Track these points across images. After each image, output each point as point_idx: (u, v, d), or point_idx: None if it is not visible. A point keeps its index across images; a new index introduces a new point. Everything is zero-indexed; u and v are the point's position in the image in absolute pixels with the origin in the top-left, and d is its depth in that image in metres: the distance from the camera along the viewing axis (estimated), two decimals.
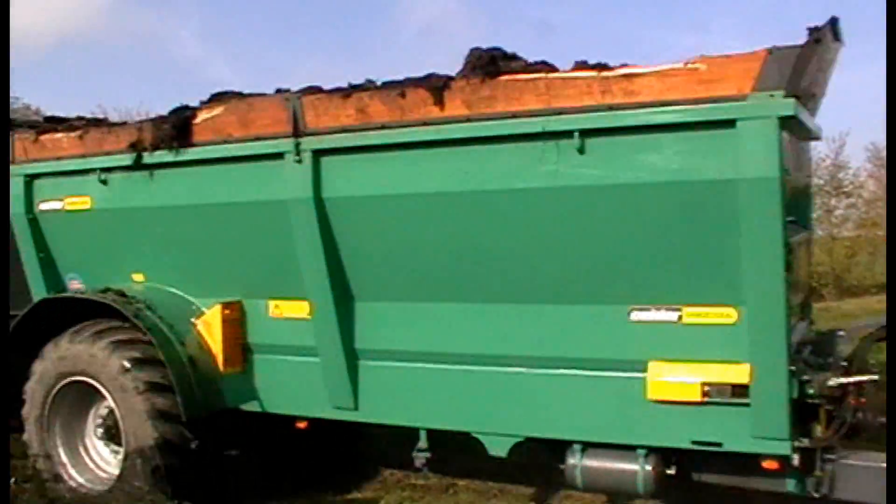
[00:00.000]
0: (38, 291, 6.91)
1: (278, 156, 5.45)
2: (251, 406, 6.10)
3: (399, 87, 5.08)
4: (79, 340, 6.13)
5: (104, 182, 6.33)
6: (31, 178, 6.79)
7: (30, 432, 6.48)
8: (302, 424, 6.16)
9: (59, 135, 6.60)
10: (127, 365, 5.87)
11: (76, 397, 6.40)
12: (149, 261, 6.39)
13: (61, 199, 6.64)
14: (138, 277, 6.47)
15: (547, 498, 6.67)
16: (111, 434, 6.29)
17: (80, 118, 6.89)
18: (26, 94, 40.14)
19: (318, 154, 5.35)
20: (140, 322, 5.93)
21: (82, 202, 6.51)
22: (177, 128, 5.79)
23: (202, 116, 5.77)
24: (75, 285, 6.85)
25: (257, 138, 5.54)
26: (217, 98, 5.88)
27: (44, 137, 6.68)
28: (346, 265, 5.50)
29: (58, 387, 6.28)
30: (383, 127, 5.14)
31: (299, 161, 5.35)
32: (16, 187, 6.84)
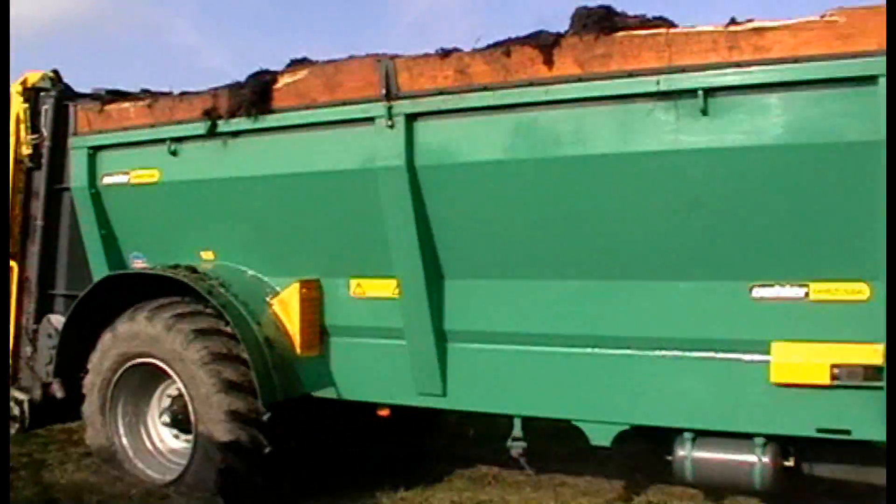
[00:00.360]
0: (100, 271, 6.91)
1: (368, 121, 5.42)
2: (328, 392, 6.06)
3: (503, 46, 5.04)
4: (148, 320, 6.11)
5: (174, 153, 6.33)
6: (94, 151, 6.81)
7: (89, 416, 6.50)
8: (384, 412, 6.10)
9: (126, 104, 6.63)
10: (204, 357, 5.87)
11: (140, 380, 6.41)
12: (219, 237, 6.38)
13: (127, 172, 6.66)
14: (207, 255, 6.45)
15: (541, 484, 6.72)
16: (178, 420, 6.23)
17: (145, 91, 6.89)
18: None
19: (411, 118, 5.30)
20: (214, 299, 5.89)
21: (150, 175, 6.51)
22: (256, 93, 5.77)
23: (284, 81, 5.76)
24: (138, 265, 6.84)
25: (344, 103, 5.51)
26: (298, 63, 5.86)
27: (110, 107, 6.71)
28: (439, 240, 5.43)
29: (122, 369, 6.29)
30: (485, 88, 5.08)
31: (391, 126, 5.31)
32: (78, 160, 6.88)
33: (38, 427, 7.57)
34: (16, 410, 7.47)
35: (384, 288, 5.75)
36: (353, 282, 5.91)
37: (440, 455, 7.49)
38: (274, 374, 5.83)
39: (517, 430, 5.60)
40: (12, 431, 7.43)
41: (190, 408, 5.93)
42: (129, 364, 6.23)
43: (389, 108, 5.30)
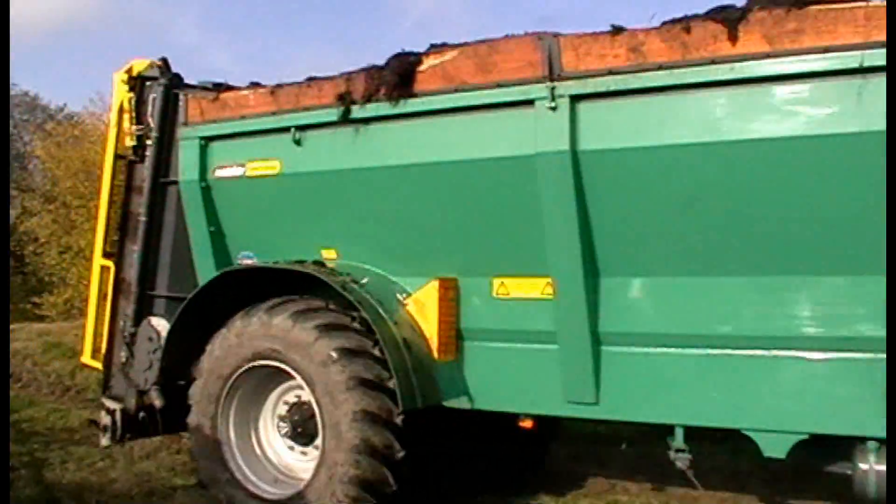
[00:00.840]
0: (206, 271, 6.95)
1: (527, 104, 5.42)
2: (466, 401, 6.02)
3: (682, 23, 5.08)
4: (271, 318, 6.09)
5: (298, 142, 6.37)
6: (206, 142, 6.87)
7: (196, 426, 6.48)
8: (527, 423, 6.06)
9: (245, 91, 6.69)
10: (333, 353, 5.83)
11: (255, 385, 6.42)
12: (344, 233, 6.39)
13: (243, 164, 6.70)
14: (329, 254, 6.46)
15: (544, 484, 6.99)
16: (298, 430, 6.24)
17: (254, 84, 6.98)
18: (23, 81, 41.12)
19: (576, 100, 5.30)
20: (348, 294, 5.89)
21: (269, 167, 6.55)
22: (398, 75, 5.82)
23: (429, 62, 5.79)
24: (250, 264, 6.88)
25: (500, 84, 5.54)
26: (440, 47, 5.94)
27: (226, 95, 6.77)
28: (600, 233, 5.40)
29: (237, 373, 6.27)
30: (660, 67, 5.11)
31: (554, 108, 5.33)
32: (188, 152, 6.94)
33: (131, 438, 7.58)
34: (106, 420, 7.45)
35: (532, 288, 5.75)
36: (496, 281, 5.89)
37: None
38: (413, 378, 5.77)
39: (679, 441, 5.55)
40: (103, 443, 7.51)
41: (316, 410, 5.91)
42: (246, 368, 6.22)
43: (552, 90, 5.32)
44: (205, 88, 7.07)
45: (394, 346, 5.79)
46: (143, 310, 7.39)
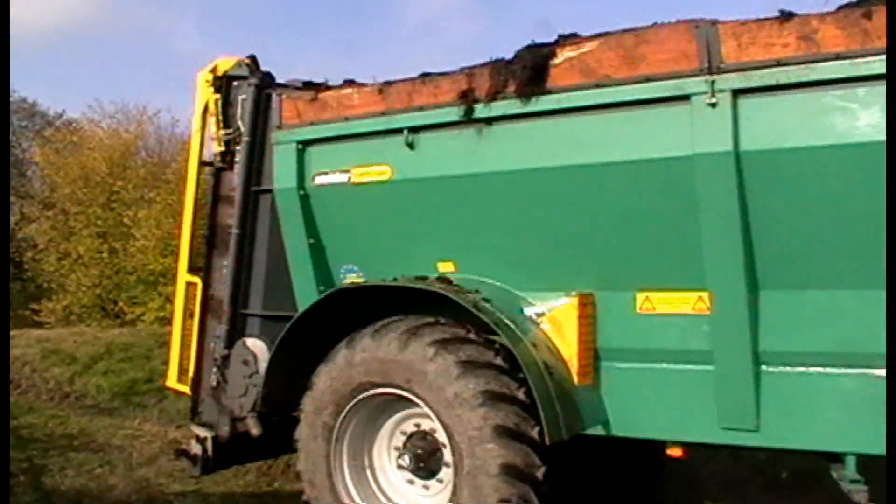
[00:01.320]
0: (305, 288, 6.88)
1: (681, 99, 5.26)
2: (608, 429, 5.89)
3: (862, 7, 4.94)
4: (389, 341, 5.93)
5: (411, 145, 6.25)
6: (304, 146, 6.77)
7: (308, 457, 6.37)
8: (676, 452, 5.92)
9: (348, 90, 6.58)
10: (458, 371, 5.68)
11: (369, 414, 6.32)
12: (463, 245, 6.27)
13: (347, 171, 6.60)
14: (446, 267, 6.35)
15: None
16: (421, 463, 6.12)
17: (349, 81, 6.86)
18: (22, 87, 42.03)
19: (739, 95, 5.11)
20: (483, 315, 5.72)
21: (378, 172, 6.44)
22: (531, 69, 5.69)
23: (565, 54, 5.64)
24: (354, 279, 6.80)
25: (649, 79, 5.39)
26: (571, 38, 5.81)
27: (326, 94, 6.66)
28: (763, 242, 5.24)
29: (354, 400, 6.15)
30: (837, 57, 4.95)
31: (714, 104, 5.17)
32: (284, 157, 6.84)
33: (223, 468, 7.62)
34: (196, 449, 7.41)
35: (682, 302, 5.61)
36: (640, 296, 5.75)
37: None
38: (558, 408, 5.61)
39: (852, 471, 5.41)
40: (194, 473, 7.54)
41: (447, 446, 5.81)
42: (363, 396, 6.12)
43: (712, 84, 5.15)
44: (296, 88, 6.96)
45: (537, 373, 5.63)
46: (236, 330, 7.31)
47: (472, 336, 5.82)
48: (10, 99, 32.88)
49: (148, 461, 9.99)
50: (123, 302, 24.78)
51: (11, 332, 18.57)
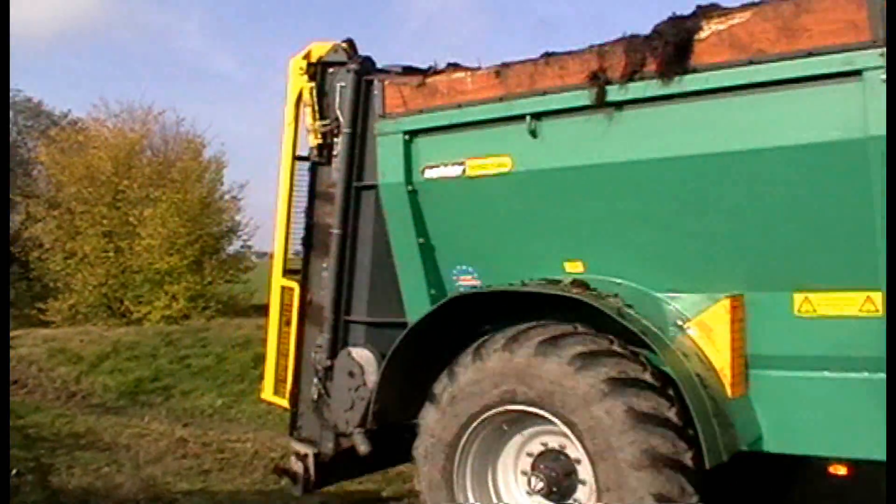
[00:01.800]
0: (415, 291, 6.79)
1: (852, 75, 5.01)
2: (764, 444, 5.67)
3: None
4: (523, 353, 5.75)
5: (534, 133, 6.07)
6: (412, 136, 6.62)
7: (429, 477, 6.27)
8: (840, 469, 5.74)
9: (460, 73, 6.41)
10: (605, 389, 5.44)
11: (494, 431, 6.17)
12: (594, 242, 6.09)
13: (461, 162, 6.44)
14: (573, 267, 6.17)
15: None
16: (554, 487, 5.93)
17: (454, 65, 6.72)
18: (27, 86, 43.09)
19: None
20: (631, 325, 5.53)
21: (496, 164, 6.27)
22: (674, 45, 5.51)
23: (712, 27, 5.41)
24: (466, 282, 6.64)
25: (811, 53, 5.14)
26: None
27: (436, 79, 6.51)
28: None
29: (482, 417, 5.98)
30: None
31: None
32: (389, 149, 6.71)
33: (327, 485, 7.55)
34: (297, 467, 7.33)
35: (848, 304, 5.35)
36: (799, 296, 5.50)
37: None
38: (715, 426, 5.39)
39: None
40: (295, 493, 7.48)
41: (588, 471, 5.64)
42: (492, 413, 5.97)
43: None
44: (396, 73, 6.87)
45: (691, 387, 5.41)
46: (339, 338, 7.20)
47: (617, 348, 5.66)
48: (16, 99, 35.54)
49: (155, 459, 10.43)
50: (129, 301, 26.23)
51: (18, 332, 20.51)
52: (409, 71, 6.92)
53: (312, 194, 7.46)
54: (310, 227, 7.49)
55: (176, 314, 25.29)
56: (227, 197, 29.70)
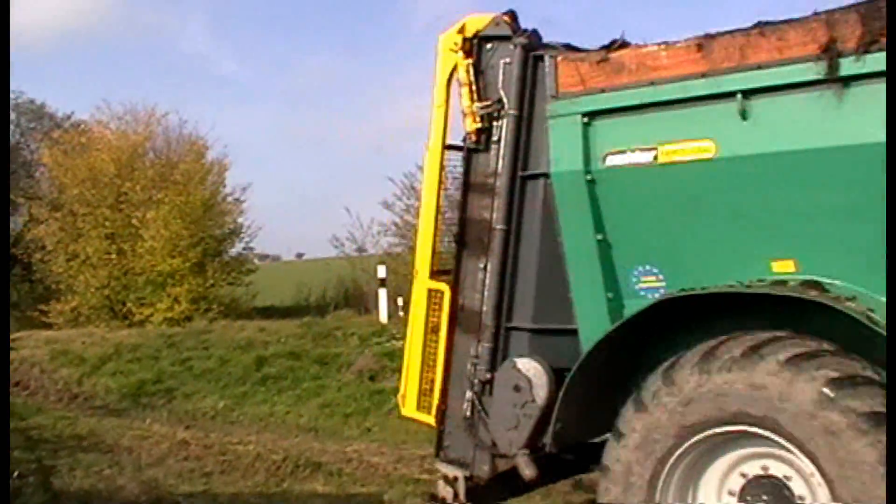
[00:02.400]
0: (589, 295, 6.02)
1: None
2: None
3: None
4: (736, 367, 4.99)
5: (744, 114, 5.34)
6: (591, 118, 5.92)
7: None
8: None
9: (652, 48, 5.74)
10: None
11: (703, 452, 5.38)
12: (810, 239, 5.33)
13: (652, 148, 5.68)
14: (783, 267, 5.43)
15: (550, 493, 7.28)
16: None
17: (621, 42, 5.98)
18: (30, 88, 42.49)
19: None
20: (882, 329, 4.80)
21: (697, 149, 5.52)
22: None
23: None
24: (650, 285, 5.90)
25: None
26: None
27: (622, 55, 5.84)
28: None
29: (691, 440, 5.23)
30: None
31: None
32: (564, 133, 5.99)
33: None
34: (444, 492, 6.68)
35: None
36: None
37: None
38: None
39: None
40: None
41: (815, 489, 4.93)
42: (704, 435, 5.19)
43: None
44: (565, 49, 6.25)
45: None
46: (499, 348, 6.47)
47: (829, 347, 4.99)
48: (19, 101, 35.05)
49: (157, 462, 10.35)
50: (132, 303, 25.90)
51: (20, 334, 20.67)
52: (569, 48, 6.33)
53: (467, 185, 6.78)
54: (463, 223, 6.83)
55: (178, 316, 24.84)
56: (229, 199, 29.12)
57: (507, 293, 6.47)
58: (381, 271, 21.71)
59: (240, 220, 29.10)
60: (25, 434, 11.50)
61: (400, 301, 21.25)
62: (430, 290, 6.90)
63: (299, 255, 58.81)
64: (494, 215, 6.45)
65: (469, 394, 6.51)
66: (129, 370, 17.59)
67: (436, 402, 6.79)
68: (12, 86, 28.99)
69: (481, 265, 6.55)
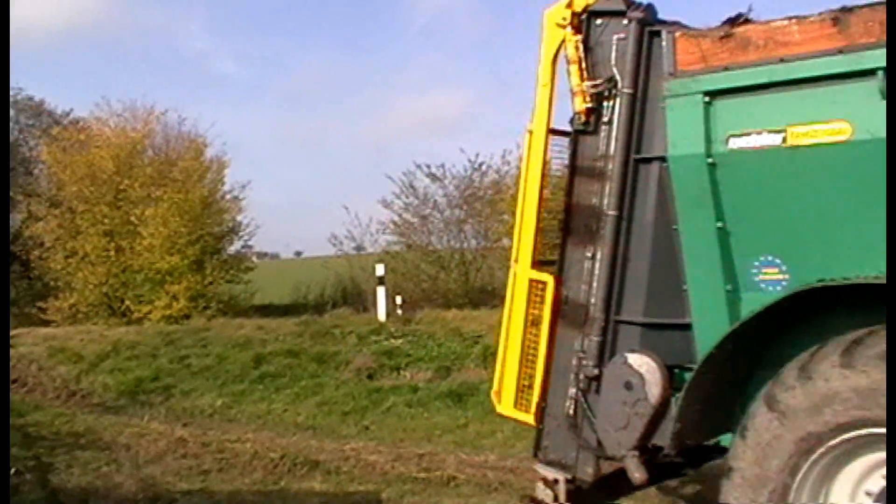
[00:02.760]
0: (706, 287, 5.58)
1: None
2: None
3: None
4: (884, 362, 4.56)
5: (885, 93, 4.88)
6: (713, 98, 5.49)
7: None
8: None
9: (782, 22, 5.31)
10: None
11: (840, 455, 4.97)
12: None
13: (781, 130, 5.24)
14: None
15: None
16: None
17: (745, 18, 5.58)
18: (28, 85, 42.09)
19: None
20: None
21: (831, 131, 5.08)
22: None
23: None
24: (771, 277, 5.44)
25: None
26: None
27: (748, 30, 5.42)
28: None
29: (827, 444, 4.82)
30: None
31: None
32: (683, 113, 5.57)
33: None
34: (543, 495, 6.17)
35: None
36: None
37: None
38: None
39: None
40: None
41: None
42: (849, 436, 4.77)
43: None
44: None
45: None
46: (607, 342, 6.05)
47: None
48: (18, 97, 34.83)
49: (154, 459, 10.37)
50: (130, 300, 25.83)
51: (18, 331, 20.38)
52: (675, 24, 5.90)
53: (573, 169, 6.30)
54: (569, 210, 6.33)
55: (176, 314, 24.79)
56: (228, 197, 28.94)
57: (617, 284, 6.08)
58: (380, 269, 21.30)
59: (238, 217, 29.06)
60: (23, 431, 11.51)
61: (398, 299, 21.21)
62: (531, 282, 6.41)
63: (298, 254, 58.71)
64: (605, 201, 6.03)
65: (572, 391, 6.11)
66: (128, 368, 17.49)
67: (535, 399, 6.35)
68: (11, 82, 29.19)
69: (588, 254, 6.14)
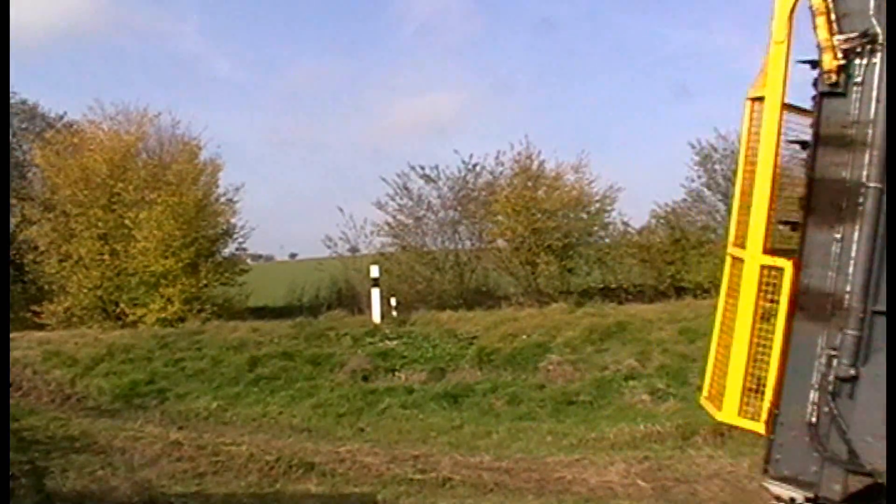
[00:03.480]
0: None
1: None
2: None
3: None
4: None
5: None
6: None
7: None
8: None
9: None
10: None
11: None
12: None
13: None
14: None
15: (543, 493, 7.27)
16: None
17: None
18: (22, 89, 41.56)
19: None
20: None
21: None
22: None
23: None
24: None
25: None
26: None
27: None
28: None
29: None
30: None
31: None
32: None
33: None
34: None
35: None
36: None
37: None
38: None
39: None
40: None
41: None
42: None
43: None
44: None
45: None
46: (863, 337, 5.29)
47: None
48: (11, 101, 33.59)
49: (149, 463, 10.31)
50: (124, 303, 25.21)
51: (13, 335, 19.65)
52: None
53: (816, 139, 5.52)
54: (811, 185, 5.55)
55: (171, 317, 24.17)
56: (222, 200, 27.81)
57: (876, 269, 5.25)
58: (374, 271, 21.01)
59: (233, 220, 28.06)
60: (18, 435, 11.42)
61: (393, 301, 21.01)
62: (764, 268, 5.60)
63: (292, 256, 57.93)
64: (865, 172, 5.20)
65: (814, 395, 5.36)
66: (122, 371, 17.30)
67: (766, 405, 5.59)
68: None
69: (837, 236, 5.33)
